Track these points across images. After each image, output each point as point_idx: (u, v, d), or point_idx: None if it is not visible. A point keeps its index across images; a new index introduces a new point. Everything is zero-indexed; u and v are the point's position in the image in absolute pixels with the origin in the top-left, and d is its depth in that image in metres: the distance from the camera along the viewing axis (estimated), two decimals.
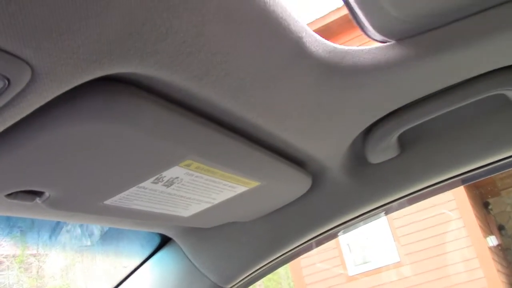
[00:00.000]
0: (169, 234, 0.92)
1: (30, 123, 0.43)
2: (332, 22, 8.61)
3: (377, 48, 0.64)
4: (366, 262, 8.70)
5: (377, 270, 8.59)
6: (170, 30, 0.41)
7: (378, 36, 0.63)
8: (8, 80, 0.34)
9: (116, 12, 0.36)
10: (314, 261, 8.50)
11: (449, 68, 0.66)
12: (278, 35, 0.52)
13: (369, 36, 0.64)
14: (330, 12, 8.86)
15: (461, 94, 0.72)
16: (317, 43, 0.59)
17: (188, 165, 0.58)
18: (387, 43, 0.63)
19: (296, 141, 0.70)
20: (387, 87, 0.68)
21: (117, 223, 0.78)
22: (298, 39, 0.54)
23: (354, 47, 0.64)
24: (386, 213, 1.00)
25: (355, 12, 0.59)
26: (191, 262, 0.96)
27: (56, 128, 0.44)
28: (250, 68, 0.53)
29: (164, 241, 1.01)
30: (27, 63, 0.34)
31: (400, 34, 0.62)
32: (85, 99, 0.43)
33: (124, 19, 0.37)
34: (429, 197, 0.96)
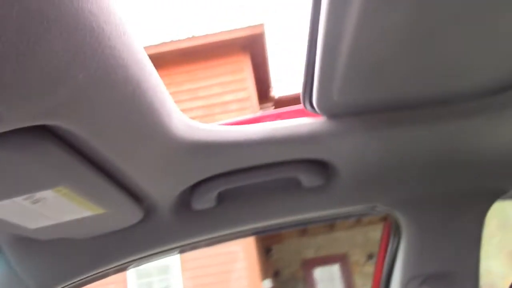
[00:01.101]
0: None
1: None
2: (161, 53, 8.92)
3: (219, 128, 0.88)
4: None
5: None
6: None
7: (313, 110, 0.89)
8: None
9: (63, 92, 0.53)
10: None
11: (264, 153, 0.93)
12: (148, 116, 0.70)
13: (304, 104, 0.89)
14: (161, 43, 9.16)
15: (268, 173, 0.99)
16: (178, 121, 0.79)
17: (58, 191, 0.73)
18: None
19: (140, 182, 0.88)
20: (215, 159, 0.92)
21: None
22: (165, 117, 0.75)
23: (208, 125, 0.87)
24: (192, 249, 1.23)
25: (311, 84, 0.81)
26: (12, 269, 1.05)
27: None
28: (122, 131, 0.70)
29: None
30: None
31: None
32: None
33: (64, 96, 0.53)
34: (228, 241, 1.23)
